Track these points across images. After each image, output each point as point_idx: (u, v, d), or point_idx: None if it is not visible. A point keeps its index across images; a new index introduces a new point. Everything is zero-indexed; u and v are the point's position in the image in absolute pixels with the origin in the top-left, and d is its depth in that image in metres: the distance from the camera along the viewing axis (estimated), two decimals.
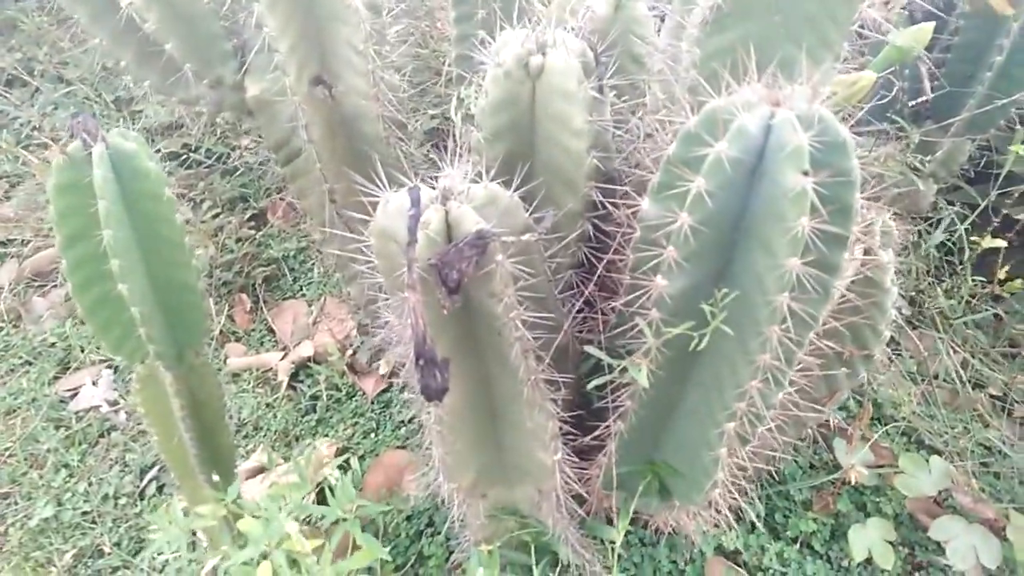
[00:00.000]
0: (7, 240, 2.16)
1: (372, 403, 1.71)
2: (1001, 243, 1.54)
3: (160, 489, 1.60)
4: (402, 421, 1.65)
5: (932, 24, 1.12)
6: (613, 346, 0.93)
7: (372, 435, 1.64)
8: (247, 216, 2.11)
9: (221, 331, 1.90)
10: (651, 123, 1.02)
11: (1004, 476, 1.43)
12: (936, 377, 1.61)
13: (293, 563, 1.09)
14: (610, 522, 1.18)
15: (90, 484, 1.61)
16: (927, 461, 1.28)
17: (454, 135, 1.01)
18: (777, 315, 0.74)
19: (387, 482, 1.48)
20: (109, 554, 1.49)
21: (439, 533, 1.39)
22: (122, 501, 1.58)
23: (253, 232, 2.08)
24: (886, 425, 1.47)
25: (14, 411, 1.77)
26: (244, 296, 1.98)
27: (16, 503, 1.60)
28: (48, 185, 0.93)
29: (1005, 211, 1.62)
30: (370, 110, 1.16)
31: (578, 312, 0.98)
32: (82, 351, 1.88)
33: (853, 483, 1.27)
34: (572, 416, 0.97)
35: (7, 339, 1.93)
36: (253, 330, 1.92)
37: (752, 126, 0.69)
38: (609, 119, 0.94)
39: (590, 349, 0.91)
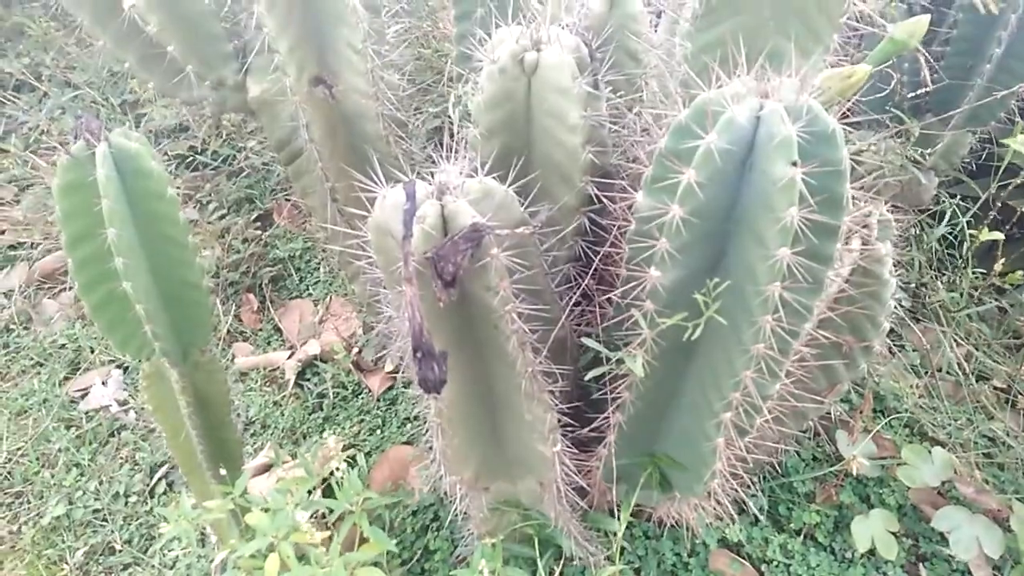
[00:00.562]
0: (17, 243, 2.18)
1: (378, 400, 1.72)
2: (998, 235, 1.54)
3: (170, 487, 1.62)
4: (407, 418, 1.66)
5: (928, 17, 1.13)
6: (611, 338, 0.94)
7: (378, 432, 1.65)
8: (253, 217, 2.13)
9: (228, 331, 1.92)
10: (647, 118, 1.03)
11: (1008, 467, 1.43)
12: (940, 370, 1.61)
13: (301, 557, 1.10)
14: (613, 515, 1.19)
15: (101, 483, 1.63)
16: (930, 452, 1.28)
17: (451, 132, 1.02)
18: (769, 305, 0.75)
19: (392, 477, 1.49)
20: (120, 551, 1.51)
21: (444, 528, 1.40)
22: (132, 499, 1.60)
23: (259, 233, 2.10)
24: (889, 417, 1.47)
25: (26, 411, 1.80)
26: (251, 296, 2.00)
27: (29, 502, 1.63)
28: (53, 186, 0.95)
29: (1003, 202, 1.61)
30: (370, 109, 1.18)
31: (576, 305, 0.99)
32: (92, 352, 1.90)
33: (855, 474, 1.28)
34: (571, 408, 0.98)
35: (18, 341, 1.96)
36: (260, 329, 1.94)
37: (741, 118, 0.70)
38: (605, 114, 0.95)
39: (587, 341, 0.92)
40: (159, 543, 1.49)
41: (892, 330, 1.61)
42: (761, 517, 1.36)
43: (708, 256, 0.79)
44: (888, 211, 1.06)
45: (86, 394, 1.81)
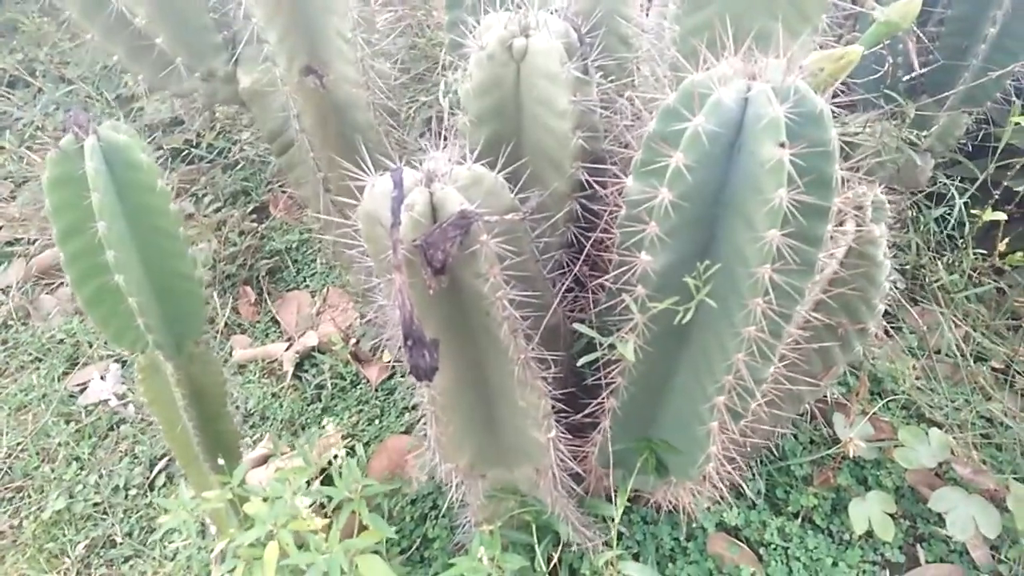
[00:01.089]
0: (14, 240, 2.18)
1: (376, 391, 1.72)
2: (1001, 216, 1.54)
3: (170, 479, 1.62)
4: (406, 408, 1.66)
5: None
6: (604, 324, 0.94)
7: (376, 422, 1.66)
8: (249, 209, 2.13)
9: (226, 323, 1.92)
10: (638, 103, 1.02)
11: (1006, 447, 1.43)
12: (938, 352, 1.61)
13: (300, 545, 1.11)
14: (610, 500, 1.20)
15: (101, 476, 1.64)
16: (927, 434, 1.28)
17: (440, 119, 1.02)
18: (759, 287, 0.74)
19: (391, 467, 1.49)
20: (121, 544, 1.52)
21: (443, 516, 1.40)
22: (132, 492, 1.60)
23: (255, 225, 2.10)
24: (886, 399, 1.47)
25: (25, 407, 1.80)
26: (248, 288, 2.00)
27: (29, 496, 1.63)
28: (43, 180, 0.95)
29: (1005, 183, 1.61)
30: (361, 98, 1.17)
31: (568, 291, 0.99)
32: (90, 346, 1.90)
33: (853, 457, 1.28)
34: (565, 394, 0.98)
35: (17, 337, 1.96)
36: (258, 322, 1.94)
37: (728, 99, 0.70)
38: (595, 100, 0.94)
39: (579, 327, 0.92)
40: (161, 537, 1.50)
41: (890, 312, 1.61)
42: (759, 501, 1.37)
43: (698, 240, 0.79)
44: (883, 193, 1.05)
45: (85, 388, 1.81)
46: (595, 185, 0.94)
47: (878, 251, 1.03)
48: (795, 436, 1.44)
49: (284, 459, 1.34)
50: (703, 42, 0.76)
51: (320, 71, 1.16)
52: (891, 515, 1.24)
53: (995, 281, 1.66)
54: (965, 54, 1.51)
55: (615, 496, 1.12)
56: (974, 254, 1.62)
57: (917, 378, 1.52)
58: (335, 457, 1.14)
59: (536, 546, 1.17)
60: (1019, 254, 1.58)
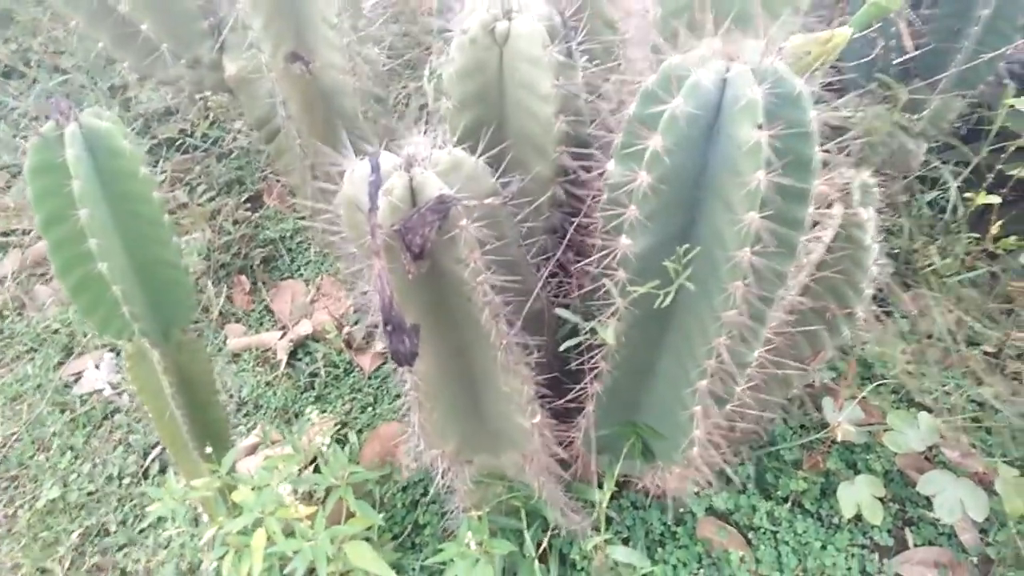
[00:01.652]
0: (9, 230, 2.18)
1: (369, 378, 1.73)
2: (995, 199, 1.53)
3: (163, 468, 1.62)
4: (399, 395, 1.66)
5: None
6: (588, 309, 0.93)
7: (370, 409, 1.66)
8: (243, 198, 2.13)
9: (221, 312, 1.92)
10: (623, 87, 1.02)
11: (995, 431, 1.43)
12: (929, 336, 1.61)
13: (289, 533, 1.11)
14: (598, 486, 1.20)
15: (95, 465, 1.64)
16: (915, 418, 1.28)
17: (426, 104, 1.02)
18: (739, 271, 0.74)
19: (383, 454, 1.50)
20: (115, 532, 1.53)
21: (434, 502, 1.41)
22: (126, 481, 1.61)
23: (249, 214, 2.10)
24: (876, 383, 1.47)
25: (20, 396, 1.80)
26: (243, 277, 2.00)
27: (24, 485, 1.64)
28: (24, 167, 0.95)
29: (999, 167, 1.60)
30: (347, 84, 1.17)
31: (553, 276, 0.99)
32: (85, 336, 1.90)
33: (842, 441, 1.28)
34: (549, 380, 0.98)
35: (12, 327, 1.96)
36: (252, 311, 1.94)
37: (707, 81, 0.69)
38: (580, 83, 0.94)
39: (562, 312, 0.92)
40: (153, 526, 1.50)
41: (881, 296, 1.61)
42: (748, 485, 1.37)
43: (678, 223, 0.79)
44: (874, 177, 1.05)
45: (79, 378, 1.82)
46: (579, 170, 0.94)
47: (865, 235, 1.03)
48: (785, 421, 1.44)
49: (274, 447, 1.34)
50: (683, 24, 0.75)
51: (306, 57, 1.15)
52: (880, 499, 1.24)
53: (988, 265, 1.65)
54: (958, 36, 1.50)
55: (602, 480, 1.12)
56: (967, 238, 1.62)
57: (908, 363, 1.52)
58: (323, 445, 1.14)
59: (525, 531, 1.17)
60: (1012, 238, 1.58)
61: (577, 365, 0.98)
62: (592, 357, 0.95)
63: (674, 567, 1.28)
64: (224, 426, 1.30)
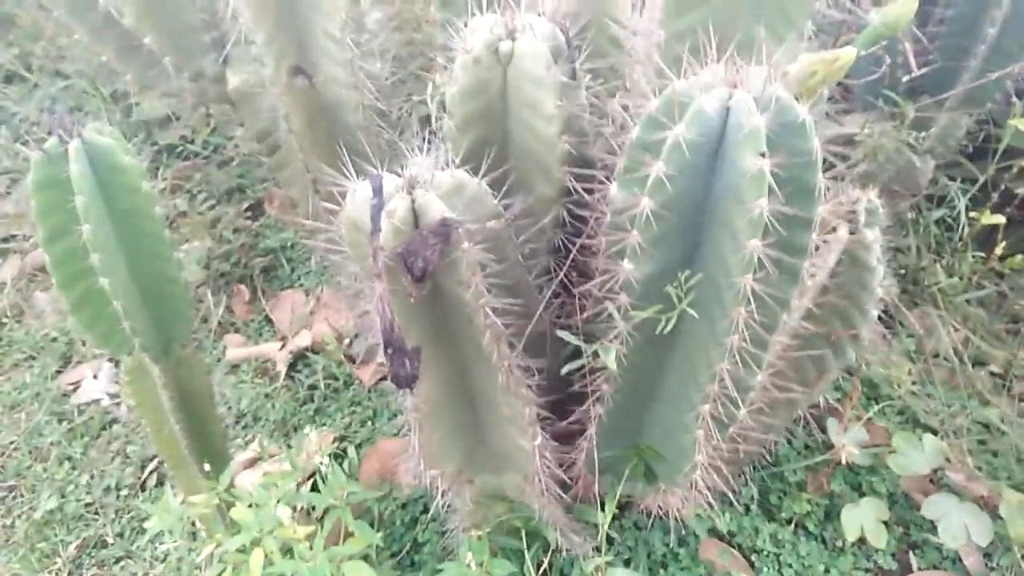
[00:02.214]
0: (9, 236, 2.18)
1: (369, 392, 1.72)
2: (1000, 219, 1.52)
3: (161, 481, 1.61)
4: (399, 410, 1.65)
5: None
6: (590, 331, 0.92)
7: (369, 424, 1.65)
8: (244, 207, 2.12)
9: (220, 322, 1.91)
10: (627, 107, 1.01)
11: (1002, 453, 1.41)
12: (936, 356, 1.59)
13: (287, 551, 1.10)
14: (602, 507, 1.19)
15: (92, 476, 1.63)
16: (921, 440, 1.27)
17: (424, 123, 1.01)
18: (741, 297, 0.73)
19: (382, 470, 1.49)
20: (112, 544, 1.52)
21: (435, 520, 1.40)
22: (124, 492, 1.60)
23: (250, 223, 2.09)
24: (881, 404, 1.46)
25: (18, 405, 1.80)
26: (242, 287, 1.99)
27: (21, 495, 1.63)
28: (28, 182, 0.94)
29: (1005, 185, 1.59)
30: (350, 99, 1.16)
31: (555, 297, 0.98)
32: (83, 345, 1.90)
33: (846, 463, 1.27)
34: (552, 402, 0.97)
35: (10, 334, 1.95)
36: (251, 321, 1.93)
37: (710, 108, 0.69)
38: (583, 103, 0.93)
39: (563, 334, 0.91)
40: (151, 539, 1.49)
41: (888, 314, 1.60)
42: (752, 506, 1.36)
43: (682, 249, 0.78)
44: (881, 195, 1.04)
45: (78, 387, 1.81)
46: (582, 191, 0.93)
47: (871, 256, 1.02)
48: (789, 442, 1.42)
49: (272, 462, 1.33)
50: (687, 48, 0.75)
51: (308, 72, 1.15)
52: (884, 522, 1.23)
53: (995, 284, 1.64)
54: (965, 55, 1.49)
55: (603, 502, 1.11)
56: (973, 256, 1.61)
57: (914, 383, 1.51)
58: (321, 464, 1.13)
59: (525, 552, 1.16)
60: (1019, 257, 1.57)
61: (579, 387, 0.97)
62: (594, 380, 0.94)
63: None
64: (222, 441, 1.29)
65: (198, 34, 1.25)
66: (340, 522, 1.15)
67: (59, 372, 1.86)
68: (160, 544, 1.49)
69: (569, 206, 0.96)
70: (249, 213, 2.12)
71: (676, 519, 1.25)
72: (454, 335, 0.86)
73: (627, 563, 1.30)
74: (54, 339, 1.92)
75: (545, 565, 1.20)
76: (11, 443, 1.72)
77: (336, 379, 1.75)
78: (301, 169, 1.23)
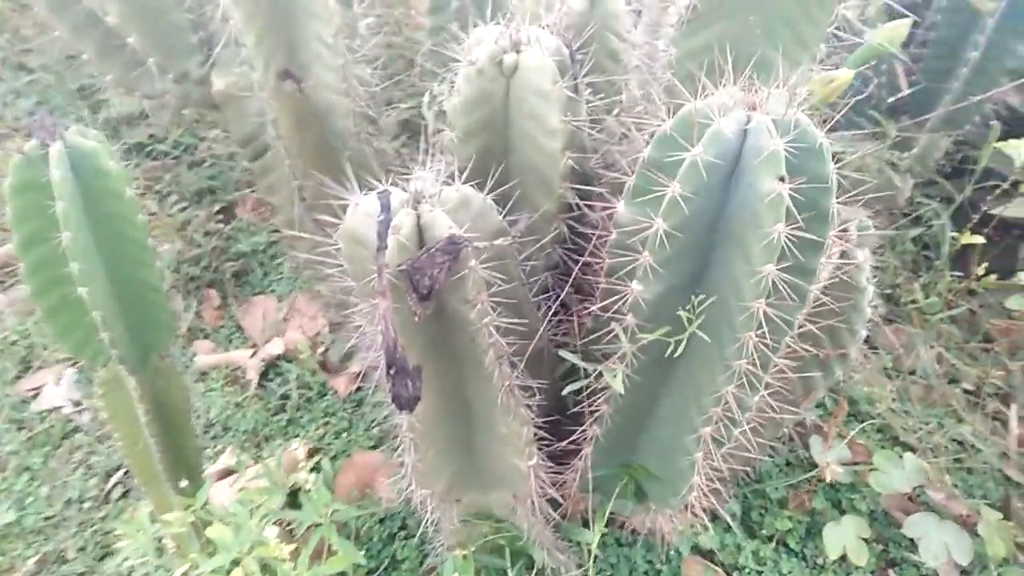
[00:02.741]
0: None
1: (344, 402, 1.68)
2: (979, 239, 1.54)
3: (126, 493, 1.56)
4: (374, 420, 1.62)
5: (909, 21, 1.12)
6: (589, 350, 0.91)
7: (344, 435, 1.61)
8: (215, 209, 2.06)
9: (189, 328, 1.86)
10: (627, 122, 1.00)
11: (976, 471, 1.43)
12: (912, 373, 1.61)
13: (264, 568, 1.07)
14: (586, 524, 1.17)
15: (53, 488, 1.57)
16: (901, 458, 1.28)
17: (426, 133, 0.98)
18: (753, 321, 0.73)
19: (359, 483, 1.45)
20: (73, 560, 1.46)
21: (413, 536, 1.37)
22: (86, 505, 1.54)
23: (221, 226, 2.03)
24: (862, 422, 1.47)
25: None
26: (212, 292, 1.94)
27: None
28: (4, 185, 0.89)
29: (984, 208, 1.62)
30: (341, 105, 1.13)
31: (554, 315, 0.96)
32: (44, 349, 1.83)
33: (828, 481, 1.27)
34: (548, 421, 0.95)
35: None
36: (222, 327, 1.88)
37: (728, 131, 0.68)
38: (585, 118, 0.91)
39: (564, 354, 0.89)
40: (115, 556, 1.43)
41: (868, 332, 1.61)
42: (733, 523, 1.35)
43: (691, 270, 0.77)
44: (867, 217, 1.04)
45: (38, 394, 1.74)
46: (583, 206, 0.92)
47: (862, 277, 1.02)
48: (771, 458, 1.42)
49: (248, 477, 1.29)
50: (701, 67, 0.74)
51: (298, 76, 1.12)
52: (865, 540, 1.23)
53: (968, 303, 1.66)
54: (947, 77, 1.52)
55: (592, 521, 1.10)
56: (950, 275, 1.63)
57: (892, 400, 1.52)
58: (304, 480, 1.10)
59: (509, 571, 1.14)
60: (993, 276, 1.59)
61: (577, 407, 0.95)
62: (594, 400, 0.92)
63: None
64: (197, 456, 1.25)
65: (184, 34, 1.21)
66: (321, 540, 1.12)
67: (18, 377, 1.79)
68: (124, 560, 1.44)
69: (570, 222, 0.94)
70: (221, 216, 2.06)
71: (660, 537, 1.25)
72: (454, 353, 0.84)
73: None
74: (13, 342, 1.85)
75: None
76: None
77: (310, 388, 1.71)
78: (287, 175, 1.19)
